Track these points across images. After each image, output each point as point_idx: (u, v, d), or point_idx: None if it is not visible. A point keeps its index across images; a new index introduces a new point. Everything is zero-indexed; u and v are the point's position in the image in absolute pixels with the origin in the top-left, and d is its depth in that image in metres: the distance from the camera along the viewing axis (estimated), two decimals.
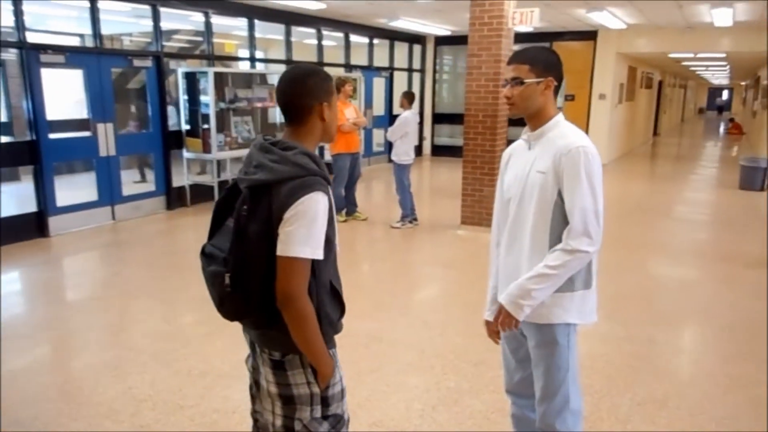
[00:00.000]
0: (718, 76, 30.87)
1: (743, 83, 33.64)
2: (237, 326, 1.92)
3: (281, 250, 1.69)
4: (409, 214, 7.57)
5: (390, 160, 7.62)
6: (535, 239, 2.05)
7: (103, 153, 7.56)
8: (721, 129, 29.55)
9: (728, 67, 22.03)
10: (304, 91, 1.80)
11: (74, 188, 8.17)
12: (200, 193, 8.81)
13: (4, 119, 9.89)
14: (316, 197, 1.70)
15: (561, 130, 2.04)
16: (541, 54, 2.06)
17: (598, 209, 1.95)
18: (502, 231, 2.23)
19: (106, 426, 3.14)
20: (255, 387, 2.02)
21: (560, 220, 1.98)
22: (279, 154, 1.74)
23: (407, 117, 7.41)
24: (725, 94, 49.15)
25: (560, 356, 2.10)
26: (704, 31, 12.18)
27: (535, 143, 2.09)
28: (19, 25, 6.51)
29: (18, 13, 6.50)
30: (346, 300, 1.92)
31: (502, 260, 2.22)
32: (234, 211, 1.76)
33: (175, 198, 8.51)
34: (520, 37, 7.35)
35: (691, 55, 15.61)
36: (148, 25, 8.28)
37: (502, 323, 2.09)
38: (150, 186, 8.39)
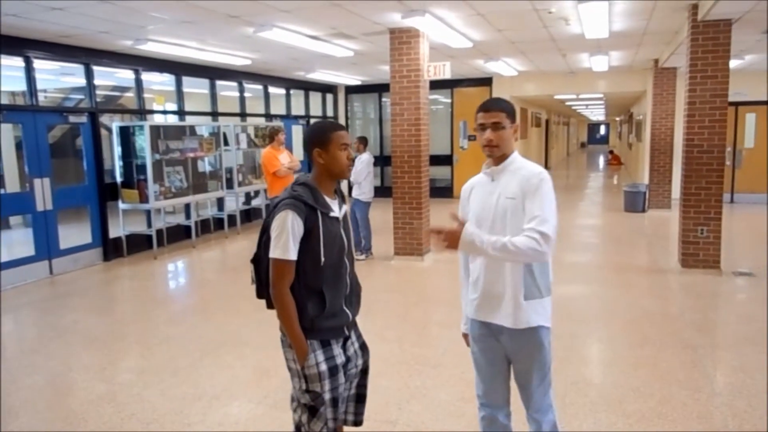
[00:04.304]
0: (596, 113, 34.26)
1: (618, 118, 37.33)
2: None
3: (269, 254, 2.36)
4: (369, 247, 8.28)
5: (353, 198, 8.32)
6: None
7: (40, 208, 7.66)
8: (602, 161, 32.47)
9: (604, 105, 24.66)
10: (305, 141, 2.53)
11: (7, 244, 8.10)
12: (136, 243, 8.99)
13: None
14: (284, 214, 2.30)
15: (519, 163, 2.46)
16: (509, 105, 2.47)
17: (552, 220, 2.28)
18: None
19: None
20: None
21: None
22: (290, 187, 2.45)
23: (366, 158, 8.20)
24: (603, 129, 53.95)
25: (546, 355, 2.50)
26: (584, 75, 13.93)
27: (498, 176, 2.47)
28: None
29: None
30: None
31: (482, 273, 2.52)
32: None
33: (111, 249, 8.65)
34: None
35: (574, 96, 17.58)
36: (70, 82, 8.47)
37: (447, 238, 2.28)
38: (86, 238, 8.47)
